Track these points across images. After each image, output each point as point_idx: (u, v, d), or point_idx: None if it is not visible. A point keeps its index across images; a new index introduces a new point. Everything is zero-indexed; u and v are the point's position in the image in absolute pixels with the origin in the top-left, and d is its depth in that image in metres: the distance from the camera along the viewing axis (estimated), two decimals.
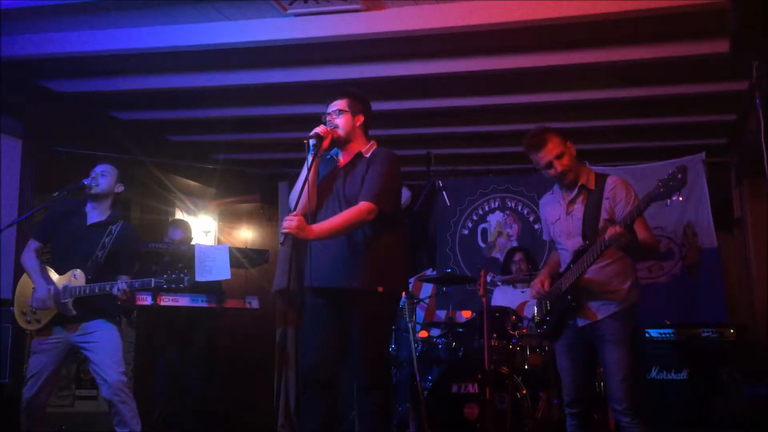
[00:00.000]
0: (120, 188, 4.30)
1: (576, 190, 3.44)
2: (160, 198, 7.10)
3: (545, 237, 3.77)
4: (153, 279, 4.03)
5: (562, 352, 3.50)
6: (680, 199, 2.91)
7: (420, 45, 4.52)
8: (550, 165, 3.41)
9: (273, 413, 5.55)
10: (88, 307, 4.04)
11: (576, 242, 3.40)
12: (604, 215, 3.32)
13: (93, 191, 4.18)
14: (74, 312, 4.02)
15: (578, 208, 3.43)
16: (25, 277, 4.21)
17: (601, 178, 3.43)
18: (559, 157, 3.39)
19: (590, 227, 3.34)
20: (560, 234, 3.52)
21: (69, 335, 4.08)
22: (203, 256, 5.36)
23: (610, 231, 3.08)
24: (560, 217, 3.52)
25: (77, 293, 4.01)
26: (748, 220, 6.23)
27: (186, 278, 4.03)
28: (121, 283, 3.95)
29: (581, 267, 3.30)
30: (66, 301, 4.01)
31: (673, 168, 2.91)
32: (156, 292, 5.20)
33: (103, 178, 4.21)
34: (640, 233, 3.25)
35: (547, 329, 3.55)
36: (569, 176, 3.42)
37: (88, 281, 4.03)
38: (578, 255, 3.34)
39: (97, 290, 3.99)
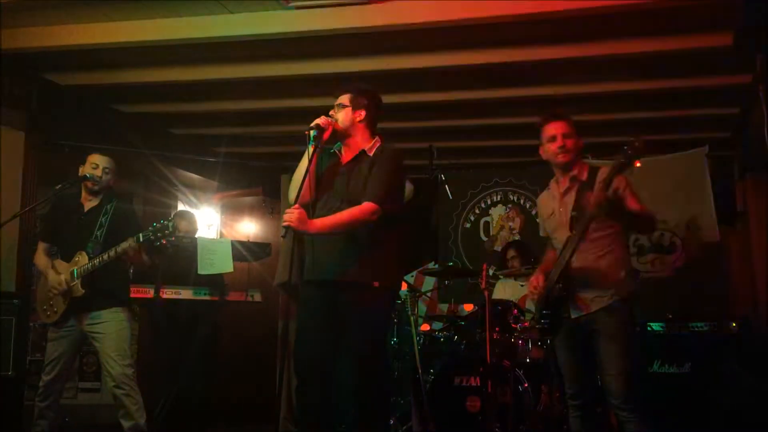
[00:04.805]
0: (113, 181, 4.39)
1: (568, 182, 3.45)
2: (163, 191, 7.11)
3: (542, 233, 3.76)
4: (140, 234, 3.98)
5: (561, 346, 3.49)
6: (638, 165, 2.98)
7: (423, 38, 4.52)
8: (554, 138, 3.41)
9: (275, 405, 5.55)
10: (100, 288, 4.10)
11: (565, 233, 3.39)
12: None
13: (96, 187, 4.25)
14: (83, 291, 4.07)
15: (569, 200, 3.43)
16: (43, 276, 4.32)
17: (593, 170, 3.42)
18: (566, 135, 3.40)
19: (576, 219, 3.32)
20: (554, 228, 3.52)
21: (80, 323, 4.16)
22: (206, 249, 5.36)
23: (592, 196, 3.09)
24: (554, 212, 3.52)
25: (83, 271, 4.07)
26: (751, 213, 6.22)
27: (171, 224, 3.98)
28: (124, 243, 3.98)
29: (568, 251, 3.28)
30: (75, 282, 4.08)
31: (633, 137, 3.00)
32: (158, 286, 5.21)
33: (108, 174, 4.30)
34: (632, 205, 3.25)
35: (545, 323, 3.50)
36: (566, 156, 3.41)
37: (91, 260, 4.08)
38: (565, 246, 3.33)
39: (97, 262, 4.04)
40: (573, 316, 3.37)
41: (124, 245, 3.99)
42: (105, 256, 4.03)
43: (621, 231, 3.38)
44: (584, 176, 3.42)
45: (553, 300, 3.43)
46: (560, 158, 3.43)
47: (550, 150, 3.45)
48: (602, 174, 3.27)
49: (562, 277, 3.33)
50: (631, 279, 3.38)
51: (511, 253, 5.82)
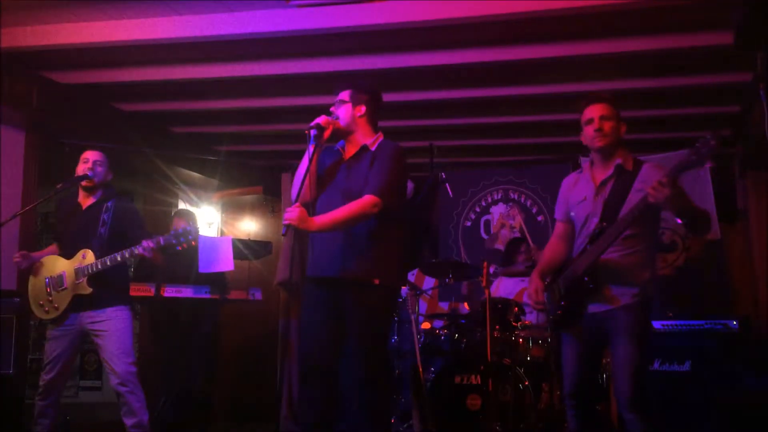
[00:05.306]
0: (110, 176, 4.40)
1: (612, 170, 3.30)
2: (164, 189, 7.12)
3: (557, 216, 3.60)
4: (161, 237, 3.98)
5: (569, 341, 3.37)
6: (711, 165, 2.82)
7: (423, 36, 4.51)
8: (591, 121, 3.29)
9: (276, 404, 5.56)
10: (101, 286, 4.10)
11: (594, 223, 3.27)
12: (633, 199, 3.16)
13: (92, 183, 4.28)
14: (90, 289, 4.07)
15: (608, 189, 3.29)
16: (35, 269, 4.31)
17: (638, 163, 3.30)
18: (604, 118, 3.27)
19: (612, 209, 3.20)
20: (583, 215, 3.36)
21: (82, 321, 4.16)
22: (207, 247, 5.37)
23: (653, 185, 2.89)
24: (586, 198, 3.36)
25: (89, 271, 4.07)
26: (752, 212, 6.22)
27: (192, 230, 3.99)
28: (145, 243, 3.96)
29: (602, 246, 3.16)
30: (80, 281, 4.08)
31: (706, 135, 2.81)
32: (159, 284, 5.22)
33: (101, 167, 4.31)
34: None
35: (560, 314, 3.38)
36: (603, 140, 3.27)
37: (97, 258, 4.09)
38: (595, 236, 3.22)
39: (109, 263, 4.03)
40: (591, 311, 3.26)
41: (146, 246, 3.96)
42: (119, 257, 4.02)
43: (649, 232, 3.28)
44: (629, 165, 3.29)
45: (574, 290, 3.32)
46: (596, 142, 3.28)
47: (587, 134, 3.32)
48: (654, 169, 3.17)
49: (591, 269, 3.22)
50: (654, 280, 3.27)
51: (525, 246, 5.85)
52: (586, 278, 3.24)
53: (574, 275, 3.31)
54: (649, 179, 3.08)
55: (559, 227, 3.58)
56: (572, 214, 3.47)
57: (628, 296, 3.20)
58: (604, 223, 3.21)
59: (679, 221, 3.14)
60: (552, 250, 3.56)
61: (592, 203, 3.32)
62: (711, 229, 3.28)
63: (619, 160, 3.30)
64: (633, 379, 3.12)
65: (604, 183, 3.32)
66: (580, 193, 3.42)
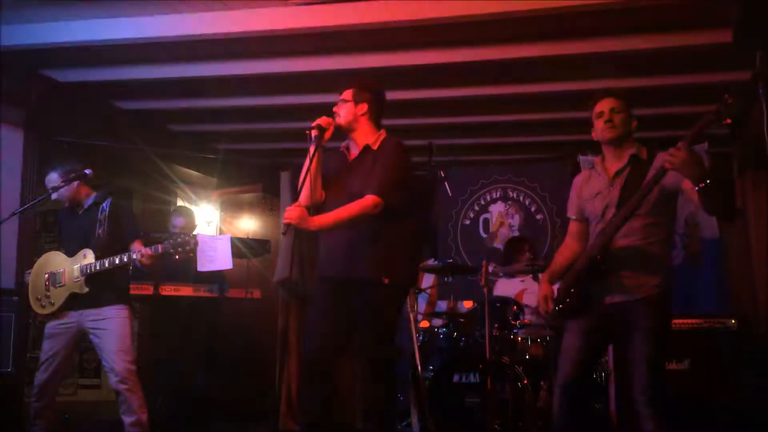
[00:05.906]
0: (88, 172, 4.31)
1: (626, 161, 3.26)
2: (162, 188, 7.12)
3: (570, 214, 3.55)
4: (159, 245, 3.99)
5: (573, 330, 3.28)
6: (729, 121, 2.79)
7: (422, 35, 4.51)
8: (601, 114, 3.26)
9: (275, 402, 5.56)
10: (101, 285, 4.11)
11: (612, 213, 3.22)
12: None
13: (65, 203, 4.35)
14: (87, 289, 4.09)
15: (623, 179, 3.25)
16: (37, 265, 4.34)
17: (652, 153, 3.26)
18: (615, 111, 3.25)
19: (629, 198, 3.14)
20: (600, 208, 3.30)
21: (81, 319, 4.15)
22: (205, 246, 5.37)
23: (669, 151, 2.84)
24: (601, 191, 3.32)
25: (89, 270, 4.08)
26: (750, 211, 6.22)
27: (192, 241, 3.98)
28: (144, 250, 4.00)
29: (617, 222, 3.09)
30: (78, 279, 4.09)
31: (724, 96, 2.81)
32: (158, 283, 5.23)
33: (54, 186, 4.29)
34: None
35: (570, 303, 3.28)
36: (612, 132, 3.24)
37: (97, 258, 4.09)
38: (611, 224, 3.15)
39: (107, 264, 4.04)
40: (609, 301, 3.18)
41: (145, 253, 3.99)
42: (117, 260, 4.03)
43: (669, 223, 3.25)
44: (644, 155, 3.25)
45: (587, 276, 3.23)
46: (606, 134, 3.25)
47: (597, 127, 3.30)
48: (660, 158, 3.09)
49: (604, 255, 3.15)
50: (671, 274, 3.23)
51: (527, 245, 5.85)
52: (598, 257, 3.17)
53: (588, 255, 3.24)
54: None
55: (573, 226, 3.54)
56: (586, 210, 3.42)
57: (649, 286, 3.14)
58: (621, 209, 3.15)
59: (697, 189, 2.89)
60: (566, 250, 3.51)
61: (607, 195, 3.28)
62: (733, 206, 3.20)
63: (633, 150, 3.27)
64: (651, 374, 3.08)
65: (618, 173, 3.28)
66: (593, 187, 3.38)
